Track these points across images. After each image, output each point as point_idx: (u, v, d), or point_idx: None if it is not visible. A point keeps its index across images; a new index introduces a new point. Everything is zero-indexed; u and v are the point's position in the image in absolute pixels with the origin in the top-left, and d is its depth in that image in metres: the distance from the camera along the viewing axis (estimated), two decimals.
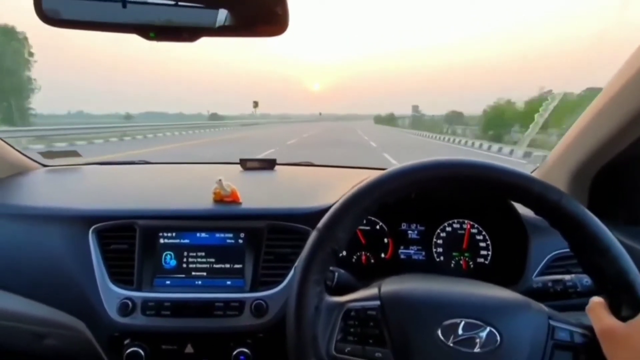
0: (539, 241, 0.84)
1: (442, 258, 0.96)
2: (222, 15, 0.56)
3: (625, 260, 0.50)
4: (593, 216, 0.52)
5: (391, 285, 0.58)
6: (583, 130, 0.84)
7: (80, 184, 1.22)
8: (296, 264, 0.56)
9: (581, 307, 0.61)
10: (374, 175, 0.58)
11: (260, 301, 0.82)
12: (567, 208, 0.52)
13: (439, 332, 0.51)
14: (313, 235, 0.55)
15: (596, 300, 0.51)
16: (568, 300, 0.69)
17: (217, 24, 0.57)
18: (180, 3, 0.57)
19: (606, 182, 0.87)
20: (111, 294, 0.83)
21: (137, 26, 0.56)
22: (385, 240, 0.97)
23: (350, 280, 0.72)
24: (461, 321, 0.52)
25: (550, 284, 0.71)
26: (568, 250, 0.56)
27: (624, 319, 0.48)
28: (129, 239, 0.86)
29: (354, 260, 0.96)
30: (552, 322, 0.53)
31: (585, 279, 0.69)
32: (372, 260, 0.96)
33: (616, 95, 0.73)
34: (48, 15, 0.55)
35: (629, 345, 0.46)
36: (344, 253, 0.96)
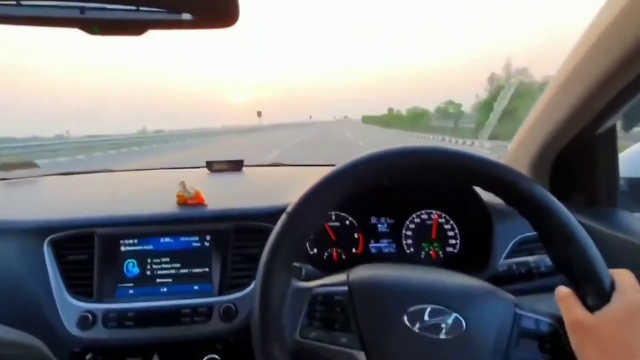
0: (503, 226, 0.85)
1: (412, 250, 0.96)
2: (171, 7, 0.54)
3: (592, 250, 0.49)
4: (561, 205, 0.51)
5: (360, 272, 0.58)
6: (539, 118, 0.87)
7: (37, 195, 1.17)
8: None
9: (549, 289, 0.62)
10: None
11: (229, 305, 0.79)
12: (537, 197, 0.51)
13: (405, 318, 0.51)
14: (282, 219, 0.53)
15: (565, 290, 0.51)
16: (532, 281, 0.70)
17: (165, 17, 0.55)
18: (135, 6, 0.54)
19: (564, 166, 0.89)
20: (70, 308, 0.78)
21: (79, 20, 0.53)
22: (356, 235, 0.97)
23: (318, 275, 0.71)
24: (427, 307, 0.52)
25: (514, 267, 0.72)
26: (533, 233, 0.56)
27: (591, 309, 0.48)
28: (88, 249, 0.82)
29: (325, 257, 0.95)
30: (518, 311, 0.53)
31: (548, 259, 0.70)
32: (344, 256, 0.96)
33: (565, 82, 0.75)
34: None
35: (596, 337, 0.46)
36: (315, 251, 0.95)
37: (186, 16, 0.56)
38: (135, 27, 0.55)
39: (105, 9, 0.55)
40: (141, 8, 0.55)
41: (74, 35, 0.58)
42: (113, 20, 0.55)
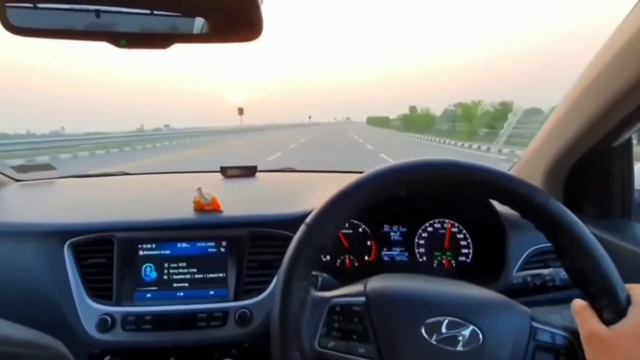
0: (517, 237, 0.85)
1: (424, 258, 0.96)
2: (196, 21, 0.56)
3: (608, 264, 0.49)
4: (577, 219, 0.51)
5: (377, 283, 0.58)
6: (555, 128, 0.87)
7: (55, 198, 1.19)
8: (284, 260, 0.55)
9: (562, 300, 0.62)
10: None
11: (245, 310, 0.81)
12: (552, 211, 0.52)
13: (423, 330, 0.52)
14: (301, 229, 0.54)
15: (581, 303, 0.51)
16: (547, 294, 0.70)
17: (191, 30, 0.56)
18: (154, 12, 0.56)
19: (579, 177, 0.89)
20: (89, 310, 0.80)
21: (108, 34, 0.55)
22: (369, 242, 0.97)
23: (334, 284, 0.72)
24: (445, 319, 0.52)
25: (529, 279, 0.72)
26: (546, 245, 0.56)
27: (607, 323, 0.48)
28: (107, 253, 0.84)
29: (338, 264, 0.96)
30: (534, 324, 0.53)
31: (563, 273, 0.70)
32: (356, 264, 0.96)
33: (583, 93, 0.75)
34: (14, 24, 0.53)
35: (611, 350, 0.46)
36: (328, 258, 0.96)
37: (211, 30, 0.57)
38: (161, 41, 0.57)
39: (120, 12, 0.56)
40: (164, 15, 0.57)
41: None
42: (139, 34, 0.57)
